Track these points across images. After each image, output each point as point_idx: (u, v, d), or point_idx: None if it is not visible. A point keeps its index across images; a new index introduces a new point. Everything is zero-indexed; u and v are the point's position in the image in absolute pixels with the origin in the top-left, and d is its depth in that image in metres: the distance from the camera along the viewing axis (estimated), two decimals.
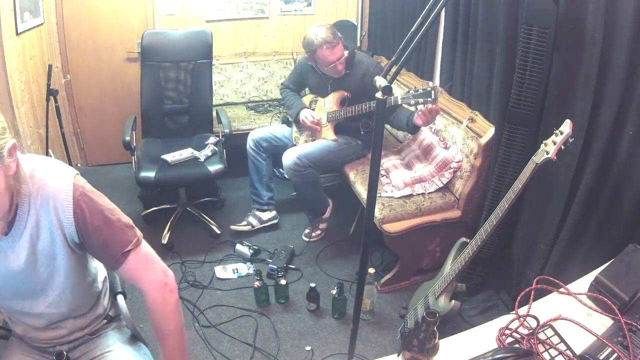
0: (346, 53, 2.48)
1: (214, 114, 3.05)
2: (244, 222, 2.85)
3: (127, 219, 1.11)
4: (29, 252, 1.04)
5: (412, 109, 2.29)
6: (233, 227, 2.83)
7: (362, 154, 2.70)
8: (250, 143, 2.77)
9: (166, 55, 2.88)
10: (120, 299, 1.35)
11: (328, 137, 2.61)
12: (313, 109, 2.69)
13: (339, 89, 2.57)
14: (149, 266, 1.12)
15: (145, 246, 1.12)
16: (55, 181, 1.02)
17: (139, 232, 1.12)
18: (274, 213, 2.90)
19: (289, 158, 2.51)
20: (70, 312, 1.18)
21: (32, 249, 1.04)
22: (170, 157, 2.65)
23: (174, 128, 2.99)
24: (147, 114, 2.92)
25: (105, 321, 1.30)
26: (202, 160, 2.67)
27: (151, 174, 2.52)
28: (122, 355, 1.24)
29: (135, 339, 1.33)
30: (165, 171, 2.59)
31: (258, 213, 2.87)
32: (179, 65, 2.90)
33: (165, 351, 1.13)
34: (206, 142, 2.81)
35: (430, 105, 2.08)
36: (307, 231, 2.81)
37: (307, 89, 2.88)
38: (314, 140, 2.66)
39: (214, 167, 2.62)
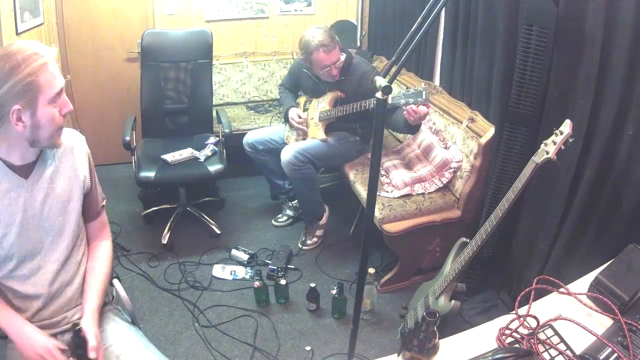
0: (343, 57, 2.46)
1: (214, 114, 3.05)
2: (284, 217, 2.94)
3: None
4: (45, 195, 1.19)
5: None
6: (275, 222, 2.94)
7: (361, 151, 2.69)
8: (246, 146, 2.78)
9: (166, 55, 2.87)
10: (116, 282, 1.46)
11: (317, 137, 2.58)
12: (307, 109, 2.70)
13: (334, 90, 2.57)
14: (107, 222, 1.44)
15: (104, 210, 1.43)
16: (74, 135, 1.28)
17: None
18: None
19: (287, 153, 2.48)
20: (74, 271, 1.27)
21: (50, 192, 1.19)
22: (170, 157, 2.65)
23: (174, 128, 2.99)
24: (147, 114, 2.92)
25: None
26: (202, 160, 2.67)
27: (151, 174, 2.52)
28: (117, 333, 1.28)
29: (129, 322, 1.37)
30: (166, 171, 2.58)
31: (291, 203, 2.93)
32: (179, 65, 2.90)
33: (92, 280, 1.30)
34: (206, 142, 2.80)
35: (417, 106, 1.99)
36: (302, 238, 2.76)
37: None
38: (304, 139, 2.66)
39: (214, 167, 2.62)
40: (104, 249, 1.37)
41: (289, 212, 2.95)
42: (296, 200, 2.91)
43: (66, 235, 1.24)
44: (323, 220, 2.76)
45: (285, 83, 2.89)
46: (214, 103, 3.09)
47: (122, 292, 1.44)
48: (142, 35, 2.83)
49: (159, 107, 2.92)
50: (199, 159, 2.67)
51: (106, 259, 1.35)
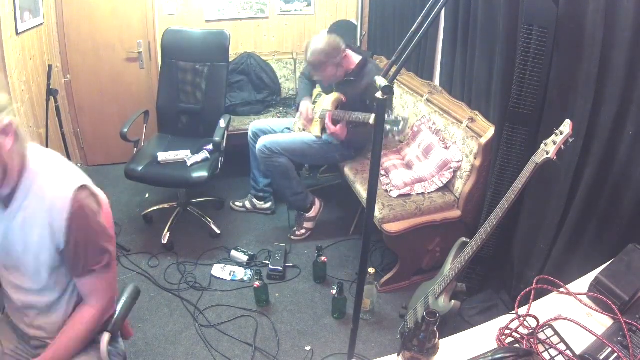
0: (357, 59, 2.52)
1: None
2: (241, 203, 3.07)
3: (106, 244, 1.15)
4: (20, 240, 1.08)
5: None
6: (231, 204, 3.09)
7: (347, 155, 2.70)
8: (249, 133, 2.90)
9: (184, 54, 2.93)
10: (104, 338, 1.23)
11: (312, 132, 2.67)
12: (316, 102, 2.76)
13: (340, 92, 2.60)
14: (100, 293, 1.19)
15: (109, 274, 1.19)
16: (56, 188, 1.06)
17: (110, 259, 1.17)
18: (269, 204, 3.02)
19: (259, 143, 2.60)
20: (48, 309, 1.19)
21: (23, 238, 1.08)
22: (164, 155, 2.65)
23: (187, 127, 3.01)
24: (162, 110, 2.97)
25: None
26: (189, 165, 2.62)
27: (139, 168, 2.55)
28: None
29: None
30: (152, 168, 2.59)
31: (254, 200, 3.03)
32: (195, 66, 2.93)
33: (58, 339, 1.16)
34: (204, 147, 2.76)
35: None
36: (293, 229, 2.83)
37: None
38: (304, 130, 2.76)
39: (197, 174, 2.56)
40: (82, 314, 1.18)
41: (247, 205, 3.05)
42: (262, 202, 3.01)
43: (42, 278, 1.13)
44: (311, 213, 2.79)
45: (304, 71, 2.95)
46: None
47: (104, 349, 1.22)
48: (163, 33, 2.93)
49: (174, 104, 2.97)
50: (186, 163, 2.64)
51: (80, 325, 1.17)
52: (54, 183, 1.07)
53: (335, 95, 2.60)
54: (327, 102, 2.64)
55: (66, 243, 1.09)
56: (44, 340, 1.23)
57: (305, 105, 2.73)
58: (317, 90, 2.83)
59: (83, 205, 1.08)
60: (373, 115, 2.22)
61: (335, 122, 2.51)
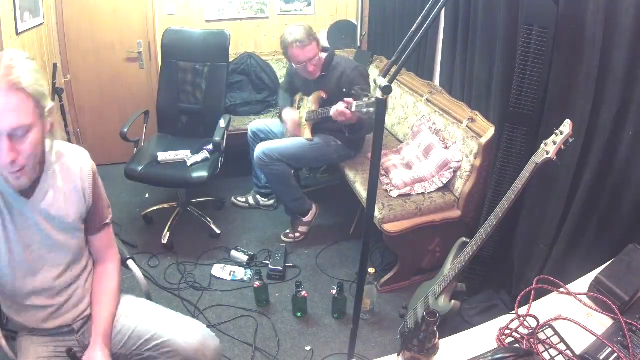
0: (323, 55, 2.53)
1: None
2: (244, 199, 3.13)
3: (107, 199, 1.40)
4: (49, 214, 1.18)
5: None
6: (234, 199, 3.14)
7: (344, 155, 2.70)
8: (249, 133, 2.92)
9: (184, 54, 2.92)
10: (131, 263, 1.53)
11: (304, 136, 2.65)
12: (300, 107, 2.75)
13: (319, 89, 2.61)
14: (113, 242, 1.43)
15: (111, 227, 1.43)
16: (79, 158, 1.26)
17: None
18: (272, 201, 3.09)
19: (257, 150, 2.57)
20: (76, 277, 1.29)
21: (53, 211, 1.19)
22: (164, 155, 2.65)
23: (187, 127, 3.01)
24: (162, 110, 2.97)
25: None
26: (189, 164, 2.62)
27: (139, 168, 2.55)
28: (139, 309, 1.37)
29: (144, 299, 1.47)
30: (152, 168, 2.59)
31: (258, 197, 3.09)
32: (195, 66, 2.92)
33: (100, 309, 1.30)
34: (204, 147, 2.76)
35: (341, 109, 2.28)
36: (287, 231, 2.81)
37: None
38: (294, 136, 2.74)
39: (197, 174, 2.56)
40: (109, 275, 1.37)
41: (250, 200, 3.11)
42: (266, 199, 3.08)
43: (67, 252, 1.25)
44: (307, 218, 2.78)
45: (284, 84, 2.96)
46: None
47: (138, 273, 1.52)
48: (164, 33, 2.92)
49: (174, 104, 2.97)
50: (186, 163, 2.64)
51: (112, 290, 1.35)
52: (75, 155, 1.26)
53: (315, 95, 2.60)
54: (309, 103, 2.65)
55: (92, 202, 1.29)
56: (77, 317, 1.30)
57: (288, 113, 2.72)
58: (299, 96, 2.80)
59: (95, 166, 1.30)
60: (354, 103, 2.19)
61: (327, 119, 2.49)
